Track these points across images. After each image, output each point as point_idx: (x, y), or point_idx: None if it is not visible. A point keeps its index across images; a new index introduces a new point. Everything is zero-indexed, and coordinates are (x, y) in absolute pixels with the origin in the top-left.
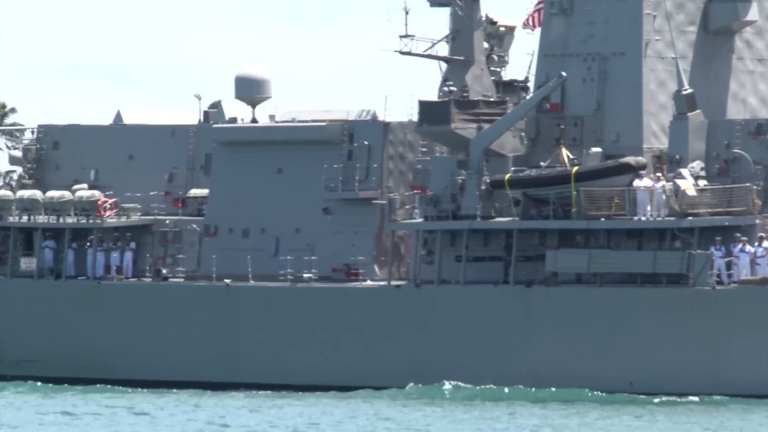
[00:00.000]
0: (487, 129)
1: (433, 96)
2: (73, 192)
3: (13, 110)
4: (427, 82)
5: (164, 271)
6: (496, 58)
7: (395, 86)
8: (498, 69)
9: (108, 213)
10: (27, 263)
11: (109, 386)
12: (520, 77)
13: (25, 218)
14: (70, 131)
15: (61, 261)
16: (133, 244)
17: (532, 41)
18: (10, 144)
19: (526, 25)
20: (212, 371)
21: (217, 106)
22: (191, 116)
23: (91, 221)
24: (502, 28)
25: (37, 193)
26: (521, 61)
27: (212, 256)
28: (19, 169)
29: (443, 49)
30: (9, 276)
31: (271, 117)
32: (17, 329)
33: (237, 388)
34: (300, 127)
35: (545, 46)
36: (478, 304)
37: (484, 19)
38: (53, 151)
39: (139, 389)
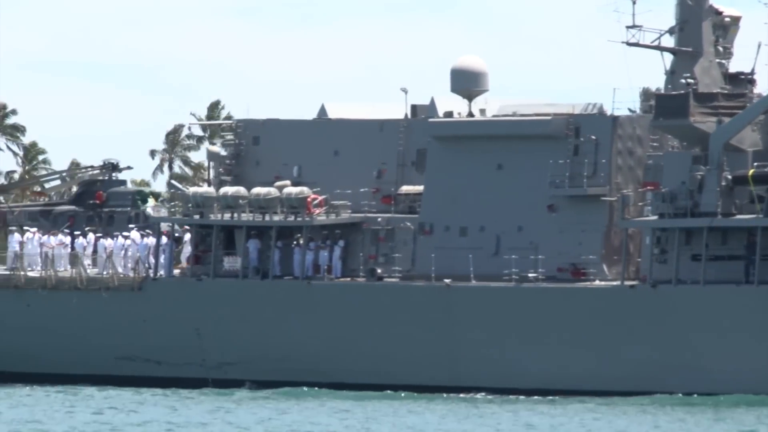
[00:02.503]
0: (728, 123)
1: (659, 89)
2: (280, 189)
3: (14, 111)
4: (649, 75)
5: (379, 271)
6: (721, 49)
7: (621, 78)
8: (723, 61)
9: (317, 210)
10: (231, 262)
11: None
12: (746, 69)
13: (227, 216)
14: (270, 126)
15: (265, 260)
16: (342, 243)
17: (757, 32)
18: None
19: None
20: (430, 375)
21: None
22: (397, 110)
23: (299, 219)
24: (727, 19)
25: (241, 190)
26: (745, 52)
27: (430, 255)
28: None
29: (668, 41)
30: (212, 276)
31: (482, 111)
32: (220, 331)
33: (459, 392)
34: (523, 121)
35: None
36: (719, 305)
37: (709, 8)
38: (253, 147)
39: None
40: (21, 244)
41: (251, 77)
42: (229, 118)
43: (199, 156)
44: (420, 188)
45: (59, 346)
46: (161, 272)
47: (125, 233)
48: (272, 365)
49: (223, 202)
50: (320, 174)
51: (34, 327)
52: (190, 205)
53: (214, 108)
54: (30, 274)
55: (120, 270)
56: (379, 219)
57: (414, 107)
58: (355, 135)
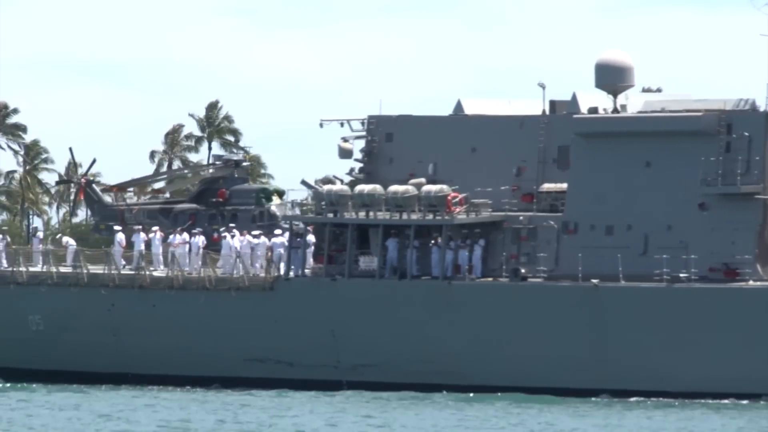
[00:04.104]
0: None
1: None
2: (417, 186)
3: (15, 111)
4: None
5: (523, 271)
6: None
7: None
8: None
9: (458, 209)
10: (367, 262)
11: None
12: None
13: (362, 214)
14: (404, 122)
15: (401, 259)
16: (482, 242)
17: None
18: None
19: None
20: (576, 377)
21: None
22: (533, 106)
23: (438, 217)
24: None
25: (377, 188)
26: None
27: (576, 254)
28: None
29: None
30: (346, 275)
31: (623, 107)
32: (356, 332)
33: (598, 395)
34: (672, 117)
35: None
36: None
37: None
38: (386, 144)
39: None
40: (145, 242)
41: (260, 78)
42: (227, 118)
43: (197, 157)
44: (562, 186)
45: (186, 348)
46: (292, 272)
47: (255, 232)
48: (411, 367)
49: (358, 200)
50: (457, 171)
51: (161, 328)
52: (323, 203)
53: (212, 108)
54: (154, 273)
55: (248, 269)
56: (521, 218)
57: (553, 103)
58: (493, 131)
